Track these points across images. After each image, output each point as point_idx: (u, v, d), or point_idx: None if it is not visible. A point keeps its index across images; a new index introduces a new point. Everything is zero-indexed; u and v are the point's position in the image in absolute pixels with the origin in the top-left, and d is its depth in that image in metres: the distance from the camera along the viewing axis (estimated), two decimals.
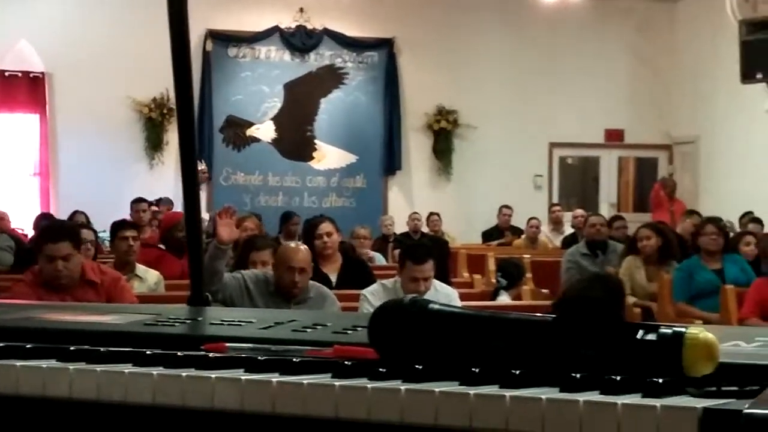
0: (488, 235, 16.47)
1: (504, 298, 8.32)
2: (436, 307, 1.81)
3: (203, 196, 16.91)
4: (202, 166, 16.43)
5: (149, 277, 8.24)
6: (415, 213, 16.12)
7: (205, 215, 14.54)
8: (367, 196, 18.25)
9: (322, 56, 18.19)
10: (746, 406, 1.38)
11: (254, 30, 17.83)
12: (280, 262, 6.76)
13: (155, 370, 1.76)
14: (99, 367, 1.81)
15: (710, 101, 17.51)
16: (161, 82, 15.22)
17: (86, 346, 1.95)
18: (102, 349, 1.91)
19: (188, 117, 2.82)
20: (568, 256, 10.98)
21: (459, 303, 7.08)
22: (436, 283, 7.11)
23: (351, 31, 18.14)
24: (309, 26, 18.00)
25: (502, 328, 1.78)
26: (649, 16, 18.93)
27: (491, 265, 10.57)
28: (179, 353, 1.85)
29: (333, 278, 8.30)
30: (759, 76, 15.16)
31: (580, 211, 15.27)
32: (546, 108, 18.37)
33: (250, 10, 17.78)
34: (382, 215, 16.55)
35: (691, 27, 18.29)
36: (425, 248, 7.25)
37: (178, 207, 13.82)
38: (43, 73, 16.75)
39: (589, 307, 4.70)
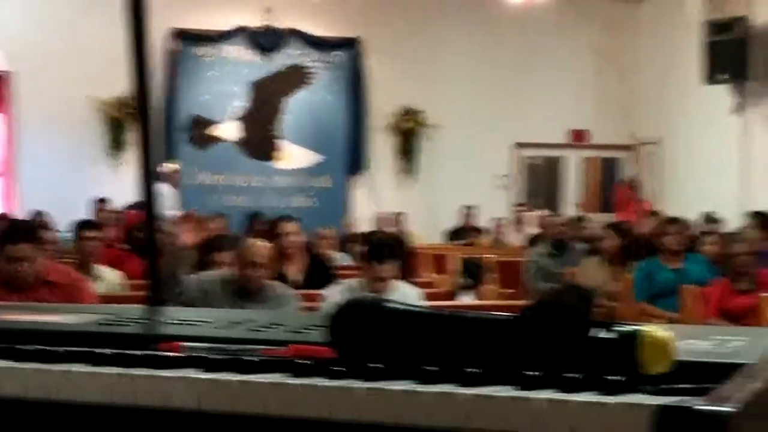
0: (453, 235, 16.49)
1: (467, 298, 8.33)
2: (395, 305, 1.81)
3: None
4: (176, 166, 16.40)
5: (112, 277, 8.21)
6: (382, 213, 16.14)
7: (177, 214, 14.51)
8: (332, 196, 18.22)
9: (288, 55, 18.14)
10: (700, 403, 1.38)
11: (220, 29, 17.77)
12: (239, 258, 6.84)
13: (109, 370, 1.75)
14: (53, 367, 1.79)
15: (674, 102, 17.60)
16: (125, 82, 15.08)
17: (41, 346, 1.93)
18: (57, 348, 1.90)
19: (147, 116, 2.81)
20: (532, 255, 11.02)
21: (422, 302, 7.09)
22: (400, 282, 7.11)
23: (317, 30, 18.11)
24: (275, 26, 17.96)
25: (460, 326, 1.77)
26: (613, 17, 19.00)
27: (455, 265, 10.57)
28: (134, 353, 1.84)
29: (296, 279, 8.29)
30: (722, 76, 15.29)
31: (544, 211, 15.32)
32: (511, 108, 18.41)
33: (216, 10, 17.72)
34: (346, 215, 16.55)
35: (655, 28, 18.37)
36: (388, 248, 7.23)
37: None
38: (6, 72, 16.64)
39: (558, 313, 4.71)
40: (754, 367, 1.59)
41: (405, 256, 8.47)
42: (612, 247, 9.95)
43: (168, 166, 16.16)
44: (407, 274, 8.21)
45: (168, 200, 15.59)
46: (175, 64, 17.40)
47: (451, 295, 8.54)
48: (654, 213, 13.42)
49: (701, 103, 16.44)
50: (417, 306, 1.89)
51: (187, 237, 6.62)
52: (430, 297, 7.85)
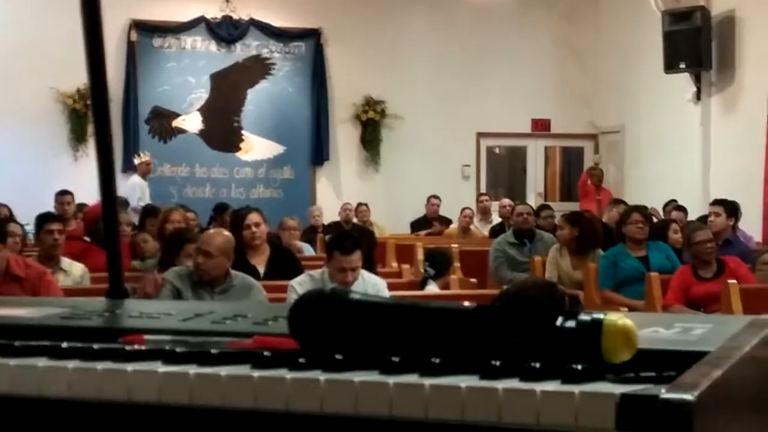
0: (417, 225, 16.51)
1: (432, 288, 8.33)
2: (357, 296, 1.80)
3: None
4: (146, 158, 16.43)
5: (74, 270, 8.18)
6: (347, 203, 16.12)
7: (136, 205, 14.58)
8: (295, 187, 18.19)
9: (249, 47, 18.10)
10: (663, 391, 1.38)
11: (180, 20, 17.69)
12: (198, 246, 6.96)
13: (71, 363, 1.73)
14: (12, 361, 1.77)
15: (634, 91, 17.68)
16: (85, 74, 15.01)
17: (1, 341, 1.91)
18: (16, 342, 1.88)
19: (103, 108, 2.78)
20: (496, 245, 11.03)
21: (387, 293, 7.11)
22: (364, 273, 7.13)
23: (277, 21, 18.06)
24: (235, 16, 17.90)
25: (423, 317, 1.77)
26: (573, 6, 19.06)
27: (420, 255, 10.58)
28: (95, 346, 1.82)
29: (261, 269, 8.29)
30: (681, 65, 15.38)
31: (507, 201, 15.36)
32: (473, 98, 18.43)
33: (176, 0, 17.64)
34: (310, 206, 16.51)
35: (615, 17, 18.45)
36: (353, 239, 7.25)
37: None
38: None
39: (526, 304, 4.71)
40: (717, 355, 1.59)
41: (368, 246, 8.48)
42: (564, 236, 10.01)
43: (140, 158, 16.22)
44: (370, 264, 8.22)
45: (139, 191, 15.69)
46: (134, 55, 17.31)
47: (416, 285, 8.54)
48: (617, 202, 13.46)
49: (662, 91, 16.52)
50: (378, 296, 1.89)
51: (149, 289, 6.61)
52: (395, 287, 7.86)
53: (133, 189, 15.62)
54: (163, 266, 7.69)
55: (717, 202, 11.15)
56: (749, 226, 12.73)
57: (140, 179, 16.03)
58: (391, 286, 7.64)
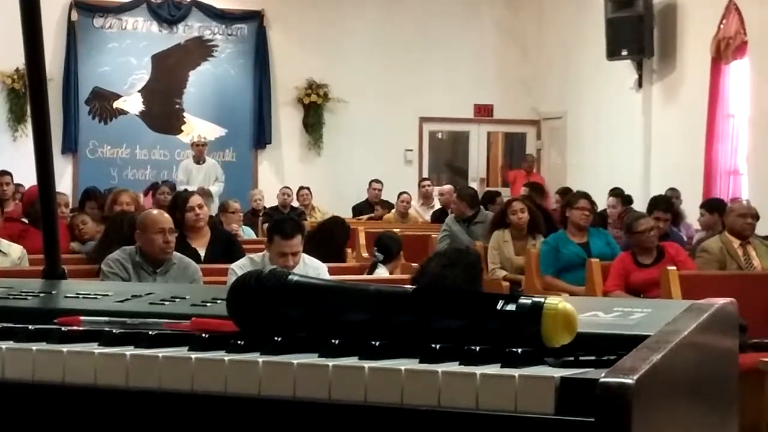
0: (358, 210, 16.51)
1: (382, 272, 8.33)
2: (295, 278, 1.79)
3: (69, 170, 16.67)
4: (197, 139, 16.46)
5: (12, 251, 8.10)
6: (286, 188, 16.13)
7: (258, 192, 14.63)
8: (237, 170, 18.12)
9: (191, 28, 17.99)
10: (602, 375, 1.38)
11: (121, 0, 17.54)
12: (148, 227, 6.94)
13: (4, 345, 1.70)
14: None
15: (577, 77, 17.78)
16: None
17: None
18: None
19: (40, 88, 2.74)
20: (444, 225, 11.24)
21: (328, 276, 7.10)
22: (305, 256, 7.14)
23: (220, 2, 17.97)
24: None
25: (362, 299, 1.76)
26: None
27: (362, 240, 10.59)
28: (30, 327, 1.79)
29: (201, 253, 8.27)
30: (624, 52, 15.49)
31: (447, 187, 15.41)
32: (416, 83, 18.45)
33: None
34: (251, 189, 16.49)
35: (558, 4, 18.52)
36: (294, 223, 7.27)
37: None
38: None
39: (446, 285, 4.75)
40: (656, 339, 1.59)
41: (344, 238, 8.69)
42: (524, 220, 10.16)
43: (194, 140, 16.33)
44: (342, 255, 8.42)
45: (182, 175, 15.81)
46: (74, 35, 17.14)
47: (358, 269, 8.54)
48: (566, 190, 13.50)
49: (604, 78, 16.64)
50: (317, 278, 1.88)
51: None
52: (338, 271, 7.85)
53: (178, 173, 16.33)
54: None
55: (654, 200, 11.01)
56: (689, 213, 12.86)
57: (189, 162, 16.33)
58: (334, 270, 7.63)
